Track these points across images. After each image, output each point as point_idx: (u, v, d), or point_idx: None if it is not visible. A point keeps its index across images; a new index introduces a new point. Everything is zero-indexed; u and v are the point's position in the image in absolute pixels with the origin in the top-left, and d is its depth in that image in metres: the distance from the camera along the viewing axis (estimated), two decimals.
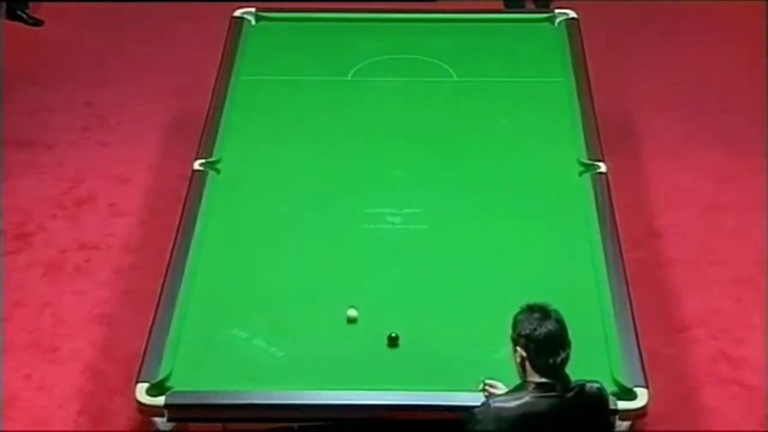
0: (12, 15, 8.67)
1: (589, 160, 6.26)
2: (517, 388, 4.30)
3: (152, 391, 5.01)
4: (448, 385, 5.00)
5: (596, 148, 6.34)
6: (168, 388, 5.02)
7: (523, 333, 4.25)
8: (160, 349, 5.20)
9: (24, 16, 8.70)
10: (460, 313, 5.37)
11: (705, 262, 6.62)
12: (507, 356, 5.13)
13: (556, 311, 4.29)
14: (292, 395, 4.96)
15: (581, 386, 4.29)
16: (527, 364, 4.27)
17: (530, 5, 8.59)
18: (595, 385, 4.36)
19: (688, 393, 5.83)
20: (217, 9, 7.91)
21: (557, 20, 7.38)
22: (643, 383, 5.02)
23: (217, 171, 6.23)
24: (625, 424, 4.97)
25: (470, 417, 4.26)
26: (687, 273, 6.53)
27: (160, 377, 5.07)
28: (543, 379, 4.24)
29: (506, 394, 4.33)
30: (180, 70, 8.12)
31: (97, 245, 6.75)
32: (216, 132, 6.47)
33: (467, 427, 4.26)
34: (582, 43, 7.18)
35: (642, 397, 4.96)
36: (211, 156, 6.31)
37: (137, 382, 5.07)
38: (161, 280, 5.58)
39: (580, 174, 6.19)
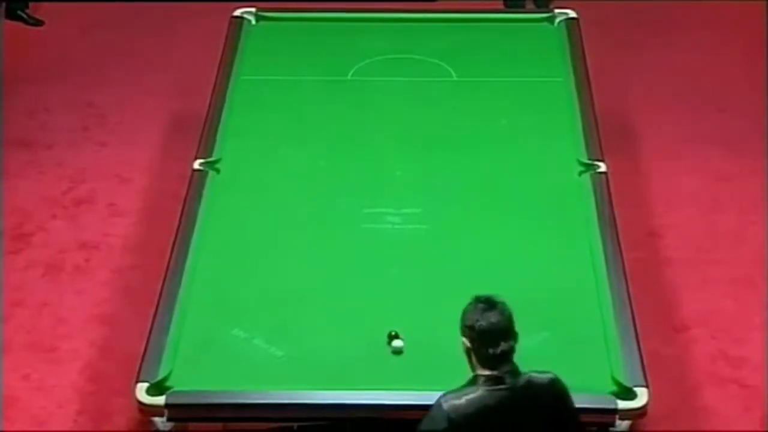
0: (12, 15, 8.67)
1: (589, 159, 6.26)
2: (468, 383, 4.30)
3: (152, 391, 5.01)
4: (447, 384, 4.97)
5: (596, 147, 6.35)
6: (168, 388, 5.02)
7: (467, 324, 4.28)
8: (160, 349, 5.20)
9: (24, 16, 8.71)
10: (459, 313, 5.35)
11: (705, 262, 6.62)
12: None
13: (503, 303, 4.28)
14: (291, 395, 4.96)
15: (529, 378, 4.29)
16: (472, 355, 4.28)
17: (530, 5, 8.59)
18: (546, 376, 4.34)
19: (687, 393, 5.83)
20: (216, 9, 7.91)
21: (557, 20, 7.39)
22: (643, 383, 5.02)
23: (217, 171, 6.23)
24: (625, 424, 4.98)
25: (424, 417, 4.26)
26: (687, 273, 6.53)
27: (160, 377, 5.06)
28: (492, 372, 4.24)
29: (457, 390, 4.32)
30: (180, 69, 8.12)
31: (97, 245, 6.75)
32: (216, 132, 6.47)
33: (421, 427, 4.27)
34: (582, 42, 7.18)
35: (642, 397, 4.96)
36: (210, 156, 6.31)
37: (137, 381, 5.07)
38: (161, 280, 5.58)
39: (580, 174, 6.19)
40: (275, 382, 5.02)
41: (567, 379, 5.00)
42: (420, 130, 6.52)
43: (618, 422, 4.95)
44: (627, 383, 5.00)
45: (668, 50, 8.39)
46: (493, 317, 4.23)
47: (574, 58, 7.01)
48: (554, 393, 4.34)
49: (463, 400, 4.23)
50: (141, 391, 5.01)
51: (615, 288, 5.48)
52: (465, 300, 5.41)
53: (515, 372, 4.26)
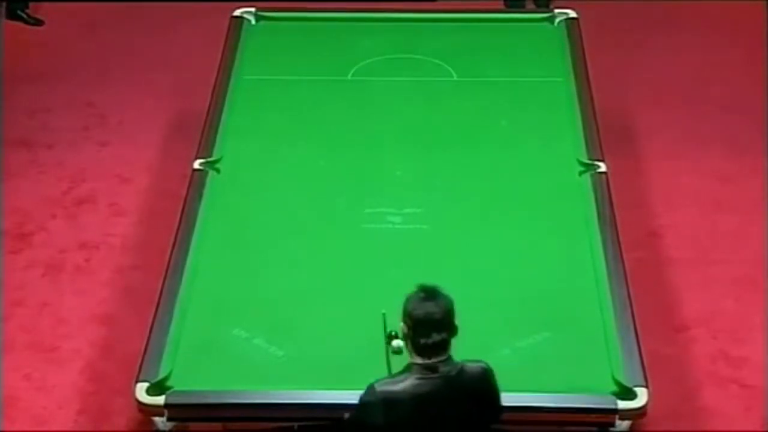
0: (12, 15, 8.68)
1: (589, 159, 6.26)
2: (402, 371, 4.35)
3: (152, 391, 5.01)
4: None
5: (596, 147, 6.35)
6: (168, 388, 5.02)
7: (406, 310, 4.32)
8: (160, 349, 5.20)
9: (24, 15, 8.71)
10: (459, 313, 5.35)
11: (705, 262, 6.62)
12: (508, 356, 5.16)
13: (445, 297, 4.32)
14: (291, 395, 4.96)
15: (461, 367, 4.32)
16: (408, 342, 4.32)
17: (530, 5, 8.59)
18: (478, 365, 4.38)
19: (688, 393, 5.83)
20: (217, 9, 7.91)
21: (557, 20, 7.39)
22: (643, 383, 5.02)
23: (217, 170, 6.23)
24: (625, 424, 4.98)
25: (357, 404, 4.32)
26: (687, 273, 6.53)
27: (160, 377, 5.07)
28: (425, 361, 4.28)
29: (391, 376, 4.38)
30: (180, 69, 8.12)
31: (97, 245, 6.75)
32: (216, 131, 6.47)
33: (354, 414, 4.32)
34: (582, 42, 7.18)
35: (642, 397, 4.96)
36: (211, 155, 6.31)
37: (137, 381, 5.07)
38: (161, 280, 5.59)
39: (580, 174, 6.19)
40: (275, 382, 5.02)
41: (567, 379, 5.05)
42: (420, 130, 6.52)
43: (618, 422, 4.95)
44: (627, 383, 5.00)
45: (669, 50, 8.39)
46: (429, 308, 4.27)
47: (574, 58, 7.01)
48: (488, 382, 4.39)
49: (395, 387, 4.28)
50: (141, 391, 5.01)
51: (615, 288, 5.48)
52: (464, 300, 5.42)
53: (449, 361, 4.30)
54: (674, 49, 8.40)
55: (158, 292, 5.51)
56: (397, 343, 5.15)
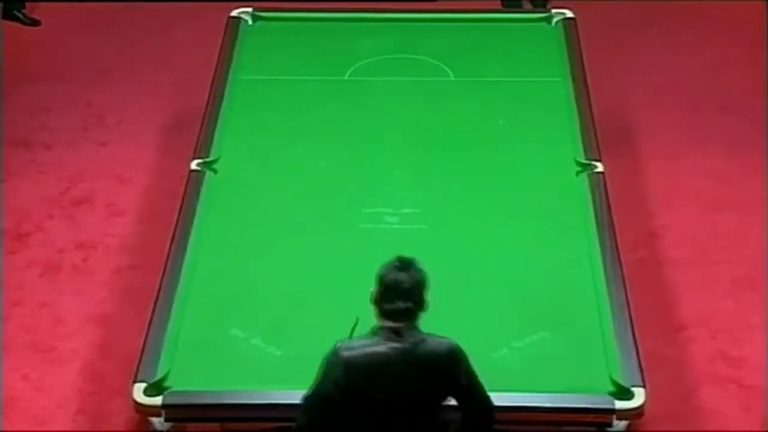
0: (8, 15, 8.67)
1: (587, 159, 6.27)
2: (369, 333, 4.41)
3: (150, 391, 5.02)
4: None
5: (593, 147, 6.35)
6: (166, 388, 5.02)
7: (379, 275, 4.40)
8: (158, 349, 5.21)
9: (20, 16, 8.69)
10: (457, 313, 5.36)
11: (704, 262, 6.61)
12: (506, 356, 5.16)
13: (419, 270, 4.38)
14: (290, 395, 4.94)
15: (424, 338, 4.38)
16: (375, 306, 4.40)
17: (527, 5, 8.58)
18: (445, 341, 4.42)
19: (686, 393, 5.82)
20: (214, 9, 7.91)
21: (554, 20, 7.39)
22: (641, 383, 5.02)
23: (215, 171, 6.23)
24: (623, 424, 4.98)
25: (322, 363, 4.38)
26: (686, 273, 6.52)
27: (158, 377, 5.07)
28: (392, 324, 4.34)
29: (356, 338, 4.45)
30: (178, 69, 8.12)
31: (96, 245, 6.75)
32: (213, 132, 6.48)
33: (319, 372, 4.38)
34: (579, 42, 7.18)
35: (639, 397, 4.97)
36: (208, 156, 6.32)
37: (135, 382, 5.07)
38: (159, 280, 5.58)
39: (578, 174, 6.19)
40: (273, 382, 5.02)
41: (565, 379, 5.05)
42: (418, 131, 6.52)
43: (615, 422, 4.95)
44: (624, 383, 5.00)
45: (667, 49, 8.39)
46: (400, 276, 4.34)
47: (571, 58, 7.02)
48: (449, 360, 4.41)
49: (360, 348, 4.35)
50: (138, 392, 5.02)
51: (613, 288, 5.48)
52: (462, 300, 5.45)
53: (413, 331, 4.36)
54: (673, 49, 8.39)
55: (156, 293, 5.51)
56: None
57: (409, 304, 4.34)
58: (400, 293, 4.33)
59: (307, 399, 4.42)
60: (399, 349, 4.34)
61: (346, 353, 4.34)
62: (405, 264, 4.38)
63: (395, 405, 4.38)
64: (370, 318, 4.46)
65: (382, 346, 4.34)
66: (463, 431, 4.50)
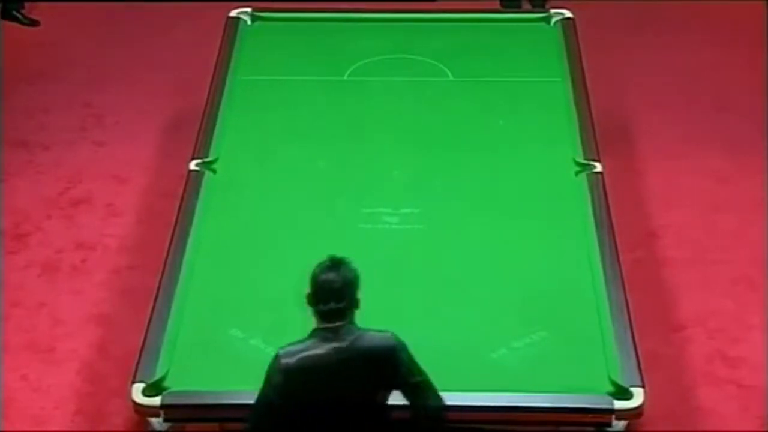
0: (7, 15, 8.66)
1: (585, 159, 6.27)
2: (307, 336, 4.43)
3: (148, 392, 5.02)
4: (445, 384, 4.98)
5: (592, 147, 6.35)
6: (164, 389, 5.02)
7: (311, 276, 4.43)
8: (157, 350, 5.21)
9: (19, 16, 8.69)
10: (456, 313, 5.37)
11: (703, 262, 6.61)
12: (505, 356, 5.16)
13: (350, 269, 4.40)
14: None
15: (361, 334, 4.39)
16: (310, 307, 4.42)
17: (526, 5, 8.58)
18: (383, 334, 4.43)
19: (685, 393, 5.82)
20: (213, 9, 7.91)
21: (553, 20, 7.39)
22: (640, 383, 5.03)
23: (214, 171, 6.23)
24: (622, 424, 4.98)
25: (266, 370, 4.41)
26: (685, 273, 6.52)
27: (157, 377, 5.07)
28: (326, 325, 4.36)
29: (295, 342, 4.44)
30: (176, 69, 8.11)
31: (94, 245, 6.74)
32: (212, 132, 6.48)
33: (263, 385, 4.41)
34: (578, 42, 7.18)
35: (638, 397, 4.97)
36: (207, 156, 6.32)
37: (133, 382, 5.07)
38: (158, 281, 5.58)
39: (577, 174, 6.19)
40: None
41: (564, 379, 5.05)
42: (417, 131, 6.52)
43: (614, 422, 4.95)
44: (623, 383, 5.00)
45: (666, 50, 8.38)
46: (329, 276, 4.37)
47: (570, 58, 7.02)
48: (388, 352, 4.42)
49: (297, 353, 4.36)
50: (137, 392, 5.02)
51: (612, 288, 5.48)
52: (461, 300, 5.45)
53: (350, 328, 4.37)
54: (672, 49, 8.39)
55: (155, 293, 5.51)
56: None
57: (343, 304, 4.36)
58: (332, 293, 4.35)
59: (253, 407, 4.44)
60: (337, 348, 4.35)
61: (284, 360, 4.35)
62: (334, 263, 4.41)
63: (340, 405, 4.38)
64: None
65: (320, 348, 4.35)
66: (412, 427, 4.49)
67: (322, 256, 5.65)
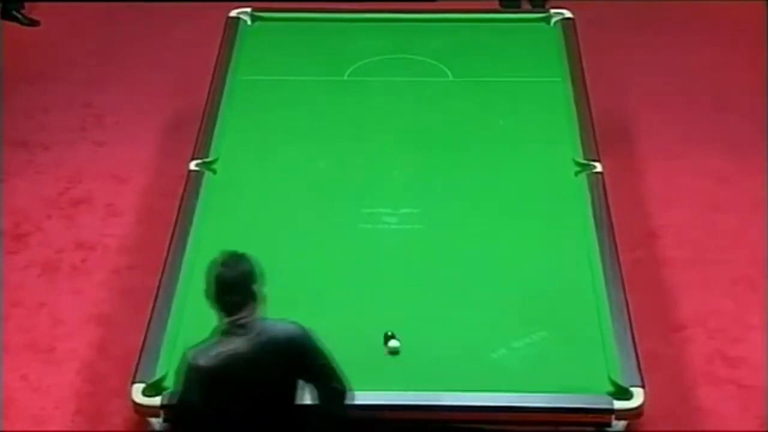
0: (7, 15, 8.66)
1: (585, 159, 6.27)
2: (215, 334, 4.47)
3: (148, 392, 5.02)
4: (445, 385, 5.00)
5: (592, 147, 6.35)
6: (164, 389, 5.02)
7: (208, 272, 4.47)
8: (157, 350, 5.21)
9: (19, 16, 8.69)
10: (456, 313, 5.37)
11: (703, 262, 6.61)
12: (505, 356, 5.16)
13: (246, 263, 4.44)
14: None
15: (268, 325, 4.44)
16: (212, 303, 4.46)
17: (526, 5, 8.58)
18: (286, 324, 4.48)
19: (685, 393, 5.82)
20: (213, 9, 7.91)
21: (553, 20, 7.39)
22: (640, 383, 5.03)
23: (214, 171, 6.23)
24: (622, 424, 4.98)
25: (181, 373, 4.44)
26: (685, 273, 6.52)
27: (157, 377, 5.07)
28: (229, 319, 4.39)
29: (202, 342, 4.48)
30: (176, 70, 8.11)
31: (94, 245, 6.74)
32: (212, 132, 6.48)
33: (180, 381, 4.44)
34: (578, 42, 7.18)
35: (638, 397, 4.97)
36: (207, 156, 6.32)
37: (133, 382, 5.07)
38: (158, 280, 5.58)
39: (576, 174, 6.19)
40: None
41: (564, 379, 5.05)
42: (417, 131, 6.53)
43: (614, 422, 4.95)
44: (623, 383, 5.00)
45: (666, 50, 8.38)
46: (224, 271, 4.41)
47: (570, 58, 7.02)
48: (299, 340, 4.47)
49: (212, 352, 4.38)
50: (137, 392, 5.02)
51: (612, 288, 5.48)
52: (461, 300, 5.45)
53: (258, 321, 4.41)
54: (672, 49, 8.39)
55: (155, 293, 5.51)
56: (393, 344, 5.16)
57: (237, 297, 4.39)
58: (230, 287, 4.38)
59: (175, 412, 4.48)
60: (250, 341, 4.39)
61: (200, 361, 4.36)
62: (229, 258, 4.45)
63: (258, 396, 4.43)
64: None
65: (233, 343, 4.38)
66: (319, 414, 4.54)
67: (322, 255, 5.70)
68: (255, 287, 4.43)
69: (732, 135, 7.58)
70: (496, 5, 8.57)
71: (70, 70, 8.21)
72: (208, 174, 6.20)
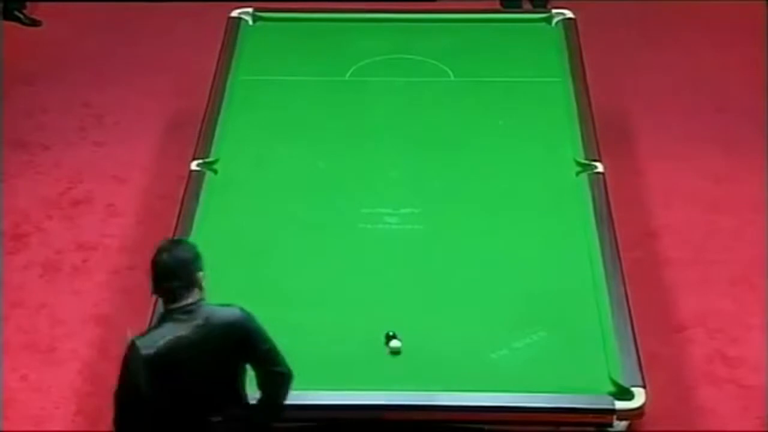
0: (8, 15, 8.66)
1: (587, 159, 6.27)
2: (158, 320, 4.51)
3: None
4: (445, 385, 5.00)
5: (593, 148, 6.35)
6: None
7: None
8: None
9: (20, 16, 8.70)
10: (457, 313, 5.37)
11: (703, 262, 6.61)
12: (505, 356, 5.16)
13: (187, 249, 4.49)
14: (290, 395, 4.95)
15: (211, 312, 4.45)
16: (155, 291, 4.48)
17: (527, 5, 8.59)
18: (229, 309, 4.49)
19: (685, 393, 5.82)
20: (214, 9, 7.91)
21: (554, 20, 7.39)
22: (641, 383, 5.02)
23: (214, 171, 6.23)
24: (623, 424, 4.98)
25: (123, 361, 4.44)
26: (685, 273, 6.53)
27: None
28: (177, 305, 4.41)
29: (147, 330, 4.51)
30: (177, 70, 8.12)
31: (94, 246, 6.75)
32: (213, 132, 6.47)
33: (122, 379, 4.43)
34: (579, 42, 7.18)
35: (639, 397, 4.97)
36: (208, 156, 6.31)
37: None
38: None
39: (578, 174, 6.19)
40: None
41: (564, 379, 5.05)
42: (418, 131, 6.52)
43: (615, 422, 4.95)
44: (624, 383, 5.00)
45: (666, 50, 8.39)
46: (163, 258, 4.43)
47: (571, 58, 7.02)
48: (243, 323, 4.48)
49: (158, 339, 4.40)
50: None
51: (612, 288, 5.48)
52: (461, 300, 5.44)
53: (202, 306, 4.43)
54: (673, 49, 8.39)
55: None
56: (394, 344, 5.16)
57: (177, 283, 4.40)
58: (166, 274, 4.40)
59: (118, 401, 4.45)
60: (196, 326, 4.40)
61: (147, 350, 4.37)
62: (169, 244, 4.50)
63: (204, 381, 4.44)
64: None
65: (179, 330, 4.40)
66: (261, 397, 4.56)
67: (322, 255, 5.70)
68: (196, 273, 4.45)
69: (731, 135, 7.58)
70: (498, 5, 8.58)
71: (70, 70, 8.21)
72: (209, 174, 6.20)
